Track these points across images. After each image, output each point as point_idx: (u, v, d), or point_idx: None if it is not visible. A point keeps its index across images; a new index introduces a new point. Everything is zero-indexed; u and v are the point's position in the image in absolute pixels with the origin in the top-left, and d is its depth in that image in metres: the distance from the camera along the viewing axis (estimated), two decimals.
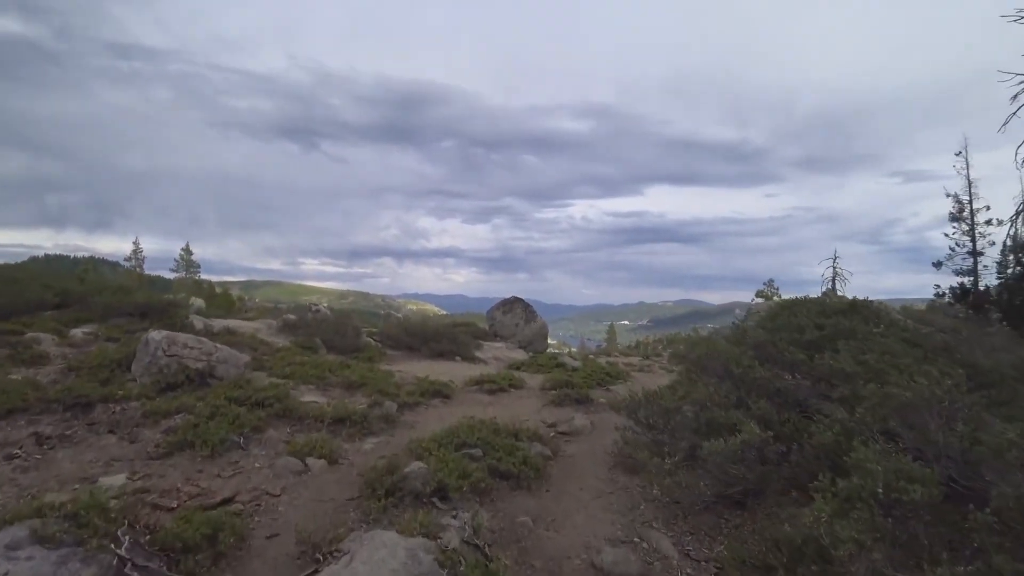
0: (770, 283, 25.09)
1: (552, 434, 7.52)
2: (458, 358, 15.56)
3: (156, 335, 7.86)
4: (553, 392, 10.08)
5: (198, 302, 15.94)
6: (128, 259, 36.66)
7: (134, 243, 35.81)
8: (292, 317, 15.18)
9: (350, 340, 14.06)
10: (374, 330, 16.47)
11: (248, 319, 15.96)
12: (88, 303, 12.07)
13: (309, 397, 7.90)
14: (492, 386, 9.97)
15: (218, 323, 14.48)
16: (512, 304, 19.92)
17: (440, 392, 9.06)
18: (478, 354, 16.73)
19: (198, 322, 12.31)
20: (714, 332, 23.63)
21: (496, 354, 17.73)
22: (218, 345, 8.35)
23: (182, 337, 8.01)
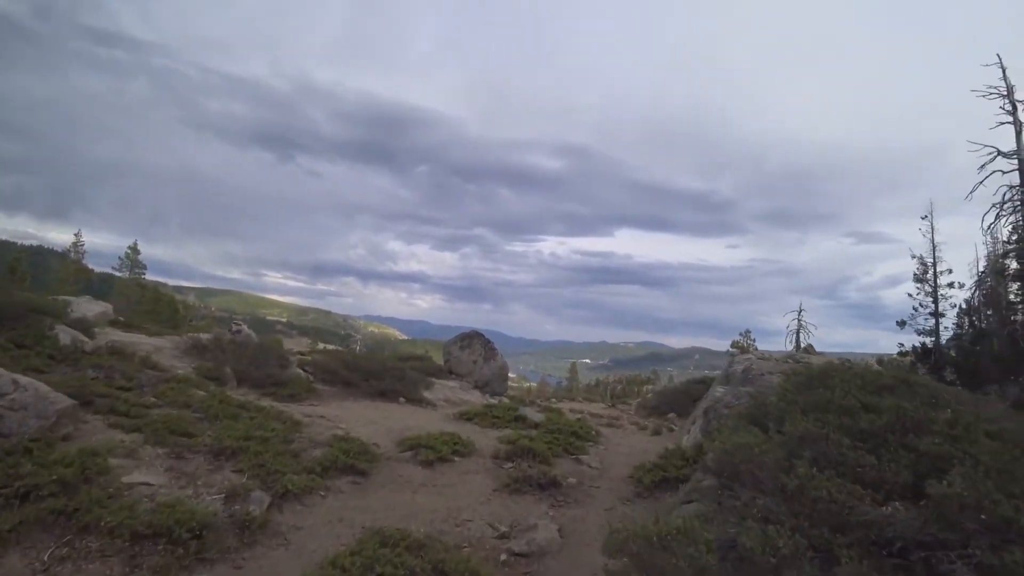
0: (746, 334, 23.03)
1: (503, 556, 4.77)
2: (402, 399, 12.66)
3: None
4: (509, 466, 7.36)
5: (94, 308, 12.71)
6: (68, 251, 32.69)
7: (75, 235, 31.81)
8: (206, 337, 12.09)
9: (271, 371, 11.07)
10: (307, 358, 13.46)
11: (151, 334, 12.78)
12: None
13: (141, 475, 4.96)
14: (430, 454, 7.15)
15: (108, 337, 11.31)
16: (471, 339, 17.16)
17: (353, 467, 6.18)
18: (427, 395, 13.85)
19: (64, 335, 9.19)
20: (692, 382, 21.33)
21: (448, 395, 14.87)
22: (20, 380, 5.36)
23: None
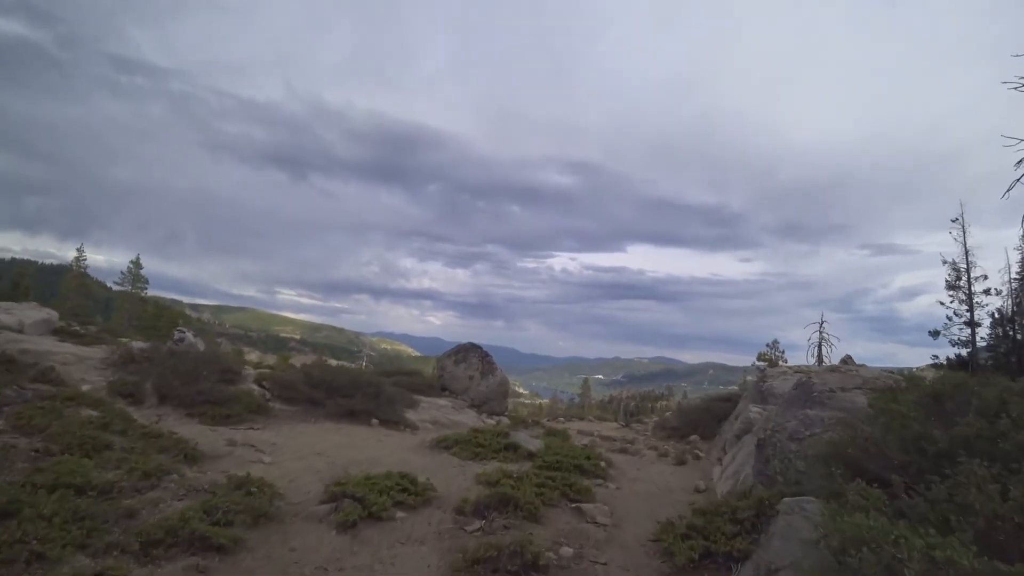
0: (774, 344, 20.18)
1: None
2: (375, 421, 10.23)
3: None
4: (476, 527, 4.86)
5: (35, 315, 10.60)
6: (71, 265, 31.37)
7: (77, 249, 30.43)
8: (139, 347, 9.83)
9: (206, 387, 8.73)
10: (266, 372, 11.10)
11: (86, 343, 10.58)
12: None
13: None
14: (354, 510, 4.64)
15: (19, 345, 9.11)
16: (467, 352, 14.70)
17: (205, 539, 3.71)
18: (411, 415, 11.40)
19: None
20: (701, 398, 18.63)
21: (437, 416, 12.38)
22: None
23: None
